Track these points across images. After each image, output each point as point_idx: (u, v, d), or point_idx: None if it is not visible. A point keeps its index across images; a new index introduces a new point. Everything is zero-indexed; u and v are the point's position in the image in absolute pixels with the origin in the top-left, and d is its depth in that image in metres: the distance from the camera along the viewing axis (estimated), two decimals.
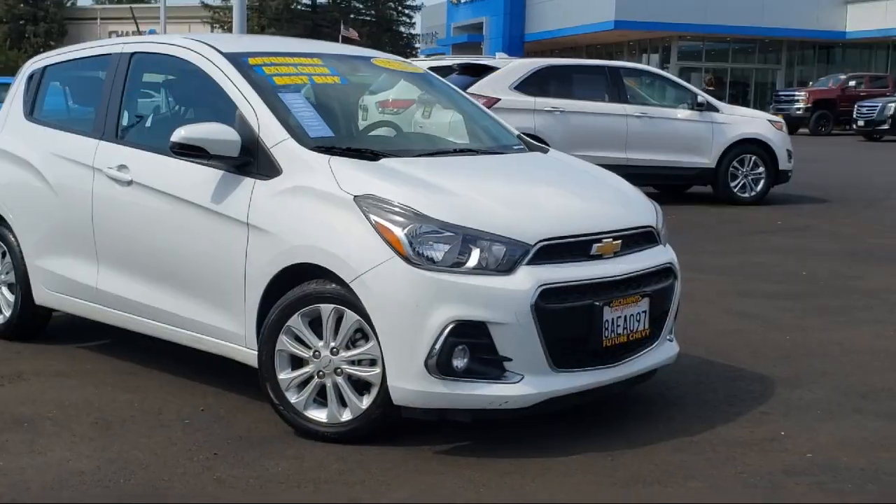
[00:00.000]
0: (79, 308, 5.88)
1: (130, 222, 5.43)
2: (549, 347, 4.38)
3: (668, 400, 5.30)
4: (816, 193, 15.97)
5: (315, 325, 4.63)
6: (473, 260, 4.36)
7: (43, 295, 6.10)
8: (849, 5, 47.23)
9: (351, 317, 4.50)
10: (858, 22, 46.67)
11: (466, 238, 4.37)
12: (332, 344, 4.57)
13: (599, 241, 4.65)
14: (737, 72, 50.45)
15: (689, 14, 44.00)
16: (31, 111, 6.34)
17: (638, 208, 5.12)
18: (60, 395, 5.34)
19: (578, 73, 14.73)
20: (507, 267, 4.37)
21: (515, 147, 5.65)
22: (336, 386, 4.57)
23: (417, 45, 70.47)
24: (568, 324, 4.47)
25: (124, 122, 5.77)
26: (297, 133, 4.90)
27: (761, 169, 14.53)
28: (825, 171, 20.14)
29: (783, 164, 14.55)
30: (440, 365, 4.29)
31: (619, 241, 4.74)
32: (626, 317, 4.64)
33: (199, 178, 5.06)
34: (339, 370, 4.56)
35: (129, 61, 5.76)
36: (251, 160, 4.91)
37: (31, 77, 6.46)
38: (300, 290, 4.62)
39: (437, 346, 4.27)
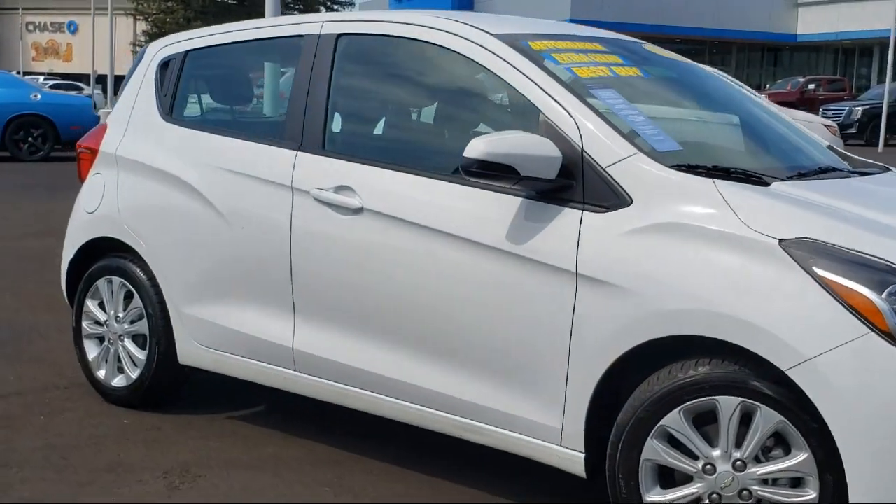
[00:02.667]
0: (255, 373, 4.40)
1: (360, 264, 3.98)
2: None
3: None
4: None
5: (698, 423, 3.24)
6: None
7: (193, 352, 4.60)
8: (800, 8, 47.04)
9: (769, 416, 3.12)
10: (809, 25, 46.55)
11: None
12: (735, 454, 3.18)
13: None
14: None
15: (646, 14, 43.27)
16: (172, 110, 4.81)
17: None
18: (261, 497, 3.90)
19: None
20: None
21: (866, 168, 4.27)
22: None
23: None
24: None
25: (335, 126, 4.30)
26: (643, 146, 3.50)
27: None
28: None
29: None
30: None
31: None
32: None
33: (483, 208, 3.64)
34: (746, 492, 3.17)
35: (333, 46, 4.27)
36: (572, 183, 3.50)
37: (165, 65, 4.92)
38: (682, 374, 3.23)
39: None
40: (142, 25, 65.86)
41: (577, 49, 4.05)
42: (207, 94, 5.01)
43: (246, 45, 4.76)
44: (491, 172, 3.48)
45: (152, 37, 65.64)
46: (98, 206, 4.92)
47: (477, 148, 3.45)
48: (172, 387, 4.88)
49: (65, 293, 5.18)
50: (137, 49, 64.42)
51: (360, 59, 4.36)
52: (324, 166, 4.13)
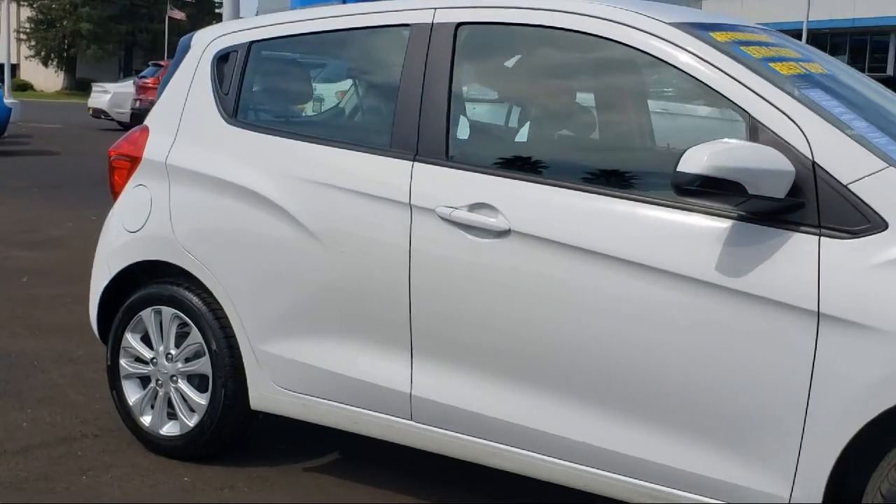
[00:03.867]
0: (355, 422, 3.75)
1: (505, 296, 3.34)
2: None
3: None
4: None
5: None
6: None
7: (271, 396, 3.91)
8: (703, 1, 47.22)
9: None
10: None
11: None
12: None
13: None
14: None
15: None
16: (237, 111, 4.08)
17: None
18: None
19: None
20: None
21: None
22: None
23: None
24: None
25: (461, 133, 3.65)
26: (889, 158, 2.93)
27: None
28: None
29: None
30: None
31: None
32: None
33: (682, 232, 3.05)
34: None
35: (452, 37, 3.60)
36: (801, 203, 2.91)
37: (223, 59, 4.18)
38: None
39: None
40: (26, 12, 63.46)
41: (757, 41, 3.46)
42: (281, 93, 4.28)
43: (328, 35, 4.05)
44: (712, 191, 2.86)
45: (37, 24, 63.33)
46: (143, 225, 4.17)
47: (698, 161, 2.83)
48: (236, 435, 4.16)
49: (95, 326, 4.42)
50: (23, 36, 62.08)
51: (488, 53, 3.71)
52: (452, 180, 3.48)
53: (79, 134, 24.85)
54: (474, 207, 3.38)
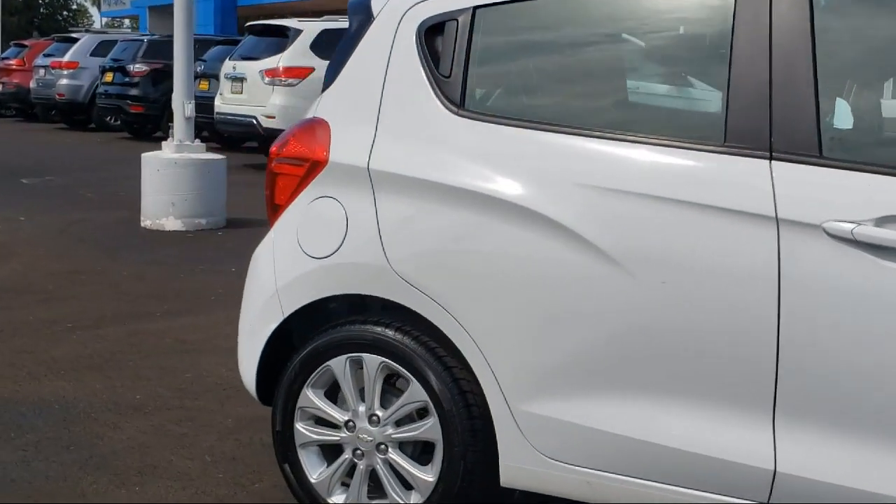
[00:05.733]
0: None
1: None
2: None
3: None
4: None
5: None
6: None
7: (534, 469, 3.02)
8: None
9: None
10: None
11: None
12: None
13: None
14: None
15: None
16: (464, 98, 3.11)
17: None
18: None
19: None
20: None
21: None
22: None
23: (77, 6, 64.26)
24: None
25: (838, 119, 2.81)
26: None
27: None
28: None
29: None
30: None
31: None
32: None
33: None
34: None
35: None
36: None
37: (434, 30, 3.20)
38: None
39: None
40: None
41: None
42: (531, 74, 3.30)
43: None
44: None
45: None
46: (337, 249, 3.18)
47: None
48: None
49: (253, 381, 3.39)
50: None
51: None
52: (841, 184, 2.62)
53: None
54: (884, 221, 2.53)
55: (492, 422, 3.04)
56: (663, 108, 3.17)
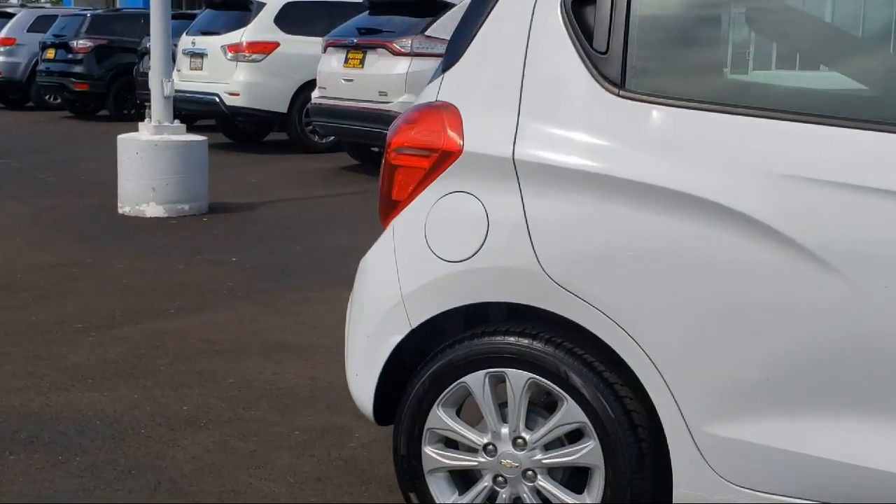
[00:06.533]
0: None
1: None
2: None
3: None
4: None
5: None
6: None
7: (720, 499, 2.66)
8: None
9: None
10: None
11: None
12: None
13: None
14: None
15: None
16: (623, 76, 2.74)
17: None
18: None
19: None
20: None
21: None
22: None
23: None
24: None
25: None
26: None
27: None
28: None
29: None
30: None
31: None
32: None
33: None
34: None
35: None
36: None
37: (584, 0, 2.82)
38: None
39: None
40: None
41: None
42: (704, 45, 2.92)
43: None
44: None
45: None
46: (477, 251, 2.80)
47: None
48: None
49: (371, 401, 3.01)
50: None
51: None
52: None
53: None
54: None
55: (663, 444, 2.70)
56: (876, 88, 2.83)
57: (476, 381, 2.86)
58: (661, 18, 2.82)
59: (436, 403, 2.92)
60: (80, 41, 17.48)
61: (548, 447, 2.84)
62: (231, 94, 12.84)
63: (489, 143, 2.81)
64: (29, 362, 4.84)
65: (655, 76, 2.78)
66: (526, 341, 2.81)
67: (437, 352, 2.93)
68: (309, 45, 12.71)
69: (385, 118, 10.42)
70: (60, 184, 10.49)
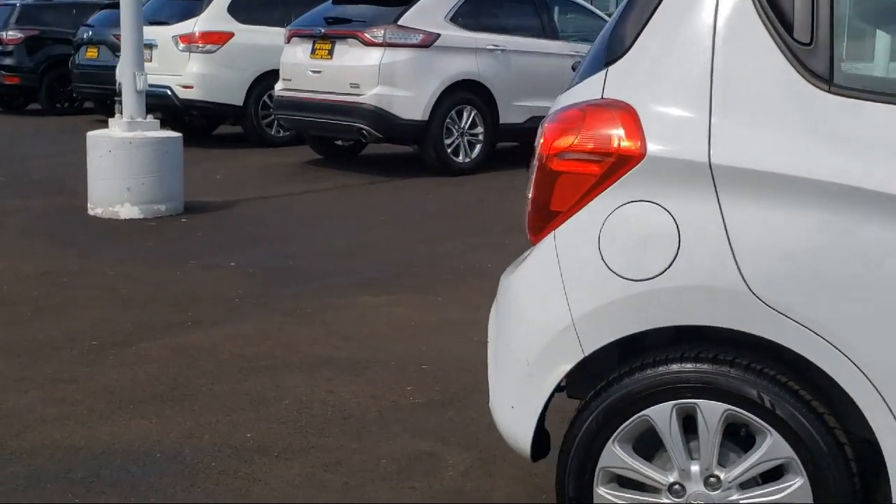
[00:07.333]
0: None
1: None
2: None
3: None
4: None
5: None
6: None
7: None
8: None
9: None
10: None
11: None
12: None
13: None
14: None
15: None
16: (832, 70, 2.45)
17: None
18: None
19: (509, 1, 11.48)
20: None
21: None
22: None
23: None
24: None
25: None
26: None
27: None
28: None
29: None
30: None
31: None
32: None
33: None
34: None
35: None
36: None
37: None
38: None
39: None
40: None
41: None
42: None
43: None
44: None
45: None
46: (666, 269, 2.49)
47: None
48: None
49: (530, 437, 2.67)
50: None
51: None
52: None
53: None
54: None
55: (885, 481, 2.41)
56: None
57: (661, 413, 2.55)
58: (872, 4, 2.52)
59: (611, 439, 2.60)
60: (10, 32, 16.70)
61: (743, 486, 2.53)
62: (184, 86, 12.30)
63: (678, 147, 2.50)
64: (53, 387, 4.40)
65: (869, 70, 2.49)
66: (724, 369, 2.50)
67: (609, 382, 2.60)
68: (264, 34, 12.26)
69: (357, 111, 10.06)
70: (16, 183, 9.90)
